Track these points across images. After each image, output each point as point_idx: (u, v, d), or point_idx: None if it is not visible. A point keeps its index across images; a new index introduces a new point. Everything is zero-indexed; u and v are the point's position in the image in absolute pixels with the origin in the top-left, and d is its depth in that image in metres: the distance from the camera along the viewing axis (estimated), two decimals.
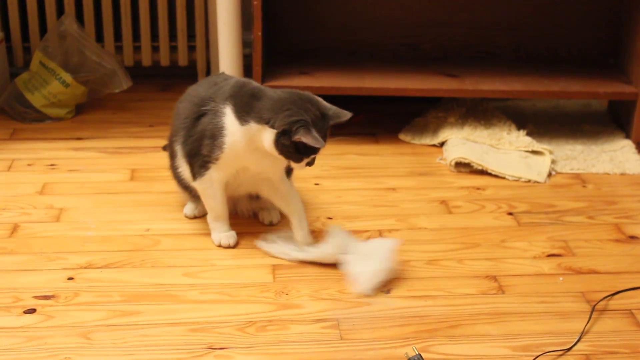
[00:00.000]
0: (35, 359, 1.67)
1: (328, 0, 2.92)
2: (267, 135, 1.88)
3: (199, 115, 1.99)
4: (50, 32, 2.88)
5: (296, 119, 1.84)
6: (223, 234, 2.08)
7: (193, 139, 2.00)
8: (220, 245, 2.07)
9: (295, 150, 1.87)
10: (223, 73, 2.22)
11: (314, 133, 1.84)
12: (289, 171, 2.10)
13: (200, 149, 1.98)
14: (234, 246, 2.07)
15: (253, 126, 1.90)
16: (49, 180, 2.42)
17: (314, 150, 1.89)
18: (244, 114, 1.91)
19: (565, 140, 2.74)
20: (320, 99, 1.93)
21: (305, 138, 1.83)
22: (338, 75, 2.75)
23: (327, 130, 1.90)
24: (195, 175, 2.02)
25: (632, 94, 2.69)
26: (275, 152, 1.89)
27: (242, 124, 1.91)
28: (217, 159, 1.96)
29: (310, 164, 1.94)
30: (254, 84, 2.00)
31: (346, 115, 1.92)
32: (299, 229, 2.04)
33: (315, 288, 1.92)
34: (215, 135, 1.94)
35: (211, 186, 2.02)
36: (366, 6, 2.92)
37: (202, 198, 2.07)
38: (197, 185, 2.04)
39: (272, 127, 1.86)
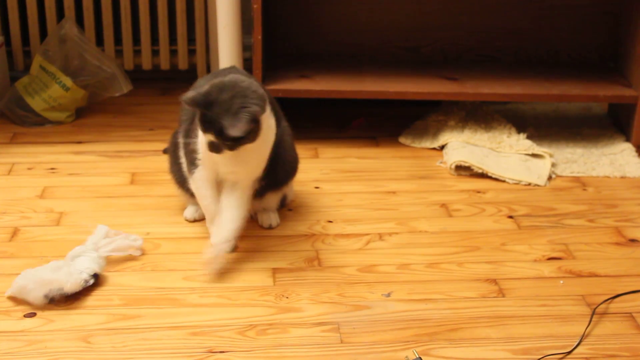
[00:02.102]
0: None
1: (328, 4, 2.92)
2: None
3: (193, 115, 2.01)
4: (50, 36, 2.89)
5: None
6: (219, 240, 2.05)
7: (189, 134, 2.03)
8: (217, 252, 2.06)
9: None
10: (233, 67, 2.21)
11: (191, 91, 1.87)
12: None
13: (191, 145, 2.01)
14: (233, 251, 2.06)
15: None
16: (49, 184, 2.42)
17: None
18: None
19: (565, 143, 2.74)
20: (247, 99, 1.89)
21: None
22: (338, 79, 2.75)
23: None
24: (188, 172, 2.05)
25: (632, 97, 2.69)
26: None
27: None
28: (199, 157, 1.99)
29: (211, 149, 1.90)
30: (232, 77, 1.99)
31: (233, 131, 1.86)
32: (222, 229, 2.03)
33: (315, 291, 1.92)
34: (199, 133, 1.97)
35: (202, 185, 2.03)
36: (366, 10, 2.92)
37: (197, 199, 2.09)
38: (191, 183, 2.06)
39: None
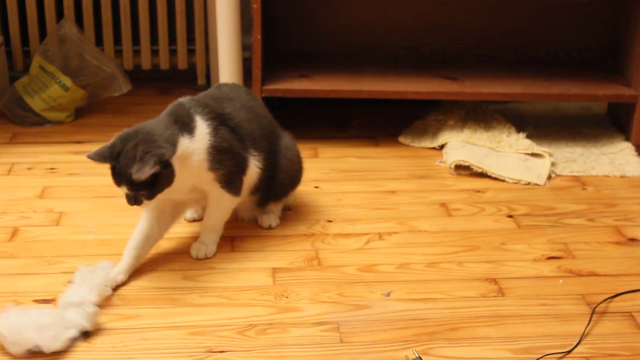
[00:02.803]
0: None
1: (327, 4, 2.92)
2: None
3: None
4: (49, 35, 2.89)
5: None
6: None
7: None
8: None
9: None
10: (233, 84, 2.22)
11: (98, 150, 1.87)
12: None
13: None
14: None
15: None
16: (48, 184, 2.42)
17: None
18: None
19: (565, 142, 2.74)
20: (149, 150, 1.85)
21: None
22: (338, 79, 2.75)
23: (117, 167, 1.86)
24: None
25: (631, 97, 2.69)
26: None
27: None
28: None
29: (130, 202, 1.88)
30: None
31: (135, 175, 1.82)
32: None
33: (315, 291, 1.92)
34: None
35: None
36: (366, 9, 2.92)
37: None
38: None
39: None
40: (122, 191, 1.87)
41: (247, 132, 2.02)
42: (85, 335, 1.74)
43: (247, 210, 2.19)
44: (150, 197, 1.86)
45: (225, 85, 2.20)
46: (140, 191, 1.84)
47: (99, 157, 1.85)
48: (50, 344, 1.68)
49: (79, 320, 1.73)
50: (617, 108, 2.90)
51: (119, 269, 1.94)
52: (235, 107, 2.04)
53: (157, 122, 1.94)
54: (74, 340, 1.72)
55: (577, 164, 2.59)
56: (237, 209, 2.15)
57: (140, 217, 1.99)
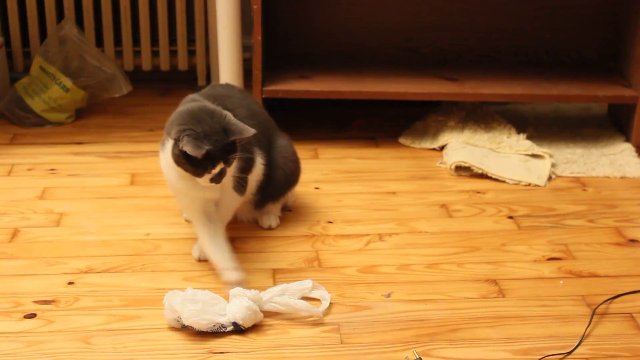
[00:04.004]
0: None
1: (328, 5, 2.92)
2: (168, 147, 1.87)
3: None
4: (50, 36, 2.89)
5: (185, 128, 1.81)
6: (230, 274, 1.93)
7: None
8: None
9: (187, 161, 1.82)
10: (213, 86, 2.21)
11: (197, 142, 1.78)
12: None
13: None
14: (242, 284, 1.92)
15: (168, 146, 1.88)
16: (49, 185, 2.42)
17: (209, 163, 1.82)
18: (164, 140, 1.92)
19: (565, 143, 2.74)
20: (228, 114, 1.87)
21: (185, 146, 1.78)
22: (338, 79, 2.76)
23: (227, 143, 1.82)
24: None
25: (632, 98, 2.69)
26: (171, 165, 1.87)
27: (162, 149, 1.92)
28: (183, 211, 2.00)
29: (215, 180, 1.86)
30: (184, 102, 1.98)
31: (248, 132, 1.84)
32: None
33: None
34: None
35: (196, 229, 1.99)
36: (366, 10, 2.92)
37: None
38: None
39: (170, 137, 1.85)
40: (211, 174, 1.83)
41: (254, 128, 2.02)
42: (235, 327, 1.76)
43: (247, 212, 2.19)
44: (232, 161, 1.85)
45: (219, 85, 2.20)
46: (232, 155, 1.84)
47: (206, 149, 1.79)
48: (199, 324, 1.74)
49: (234, 311, 1.76)
50: (617, 109, 2.90)
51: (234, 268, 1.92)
52: (235, 104, 2.04)
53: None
54: (221, 328, 1.75)
55: (577, 165, 2.59)
56: (236, 212, 2.14)
57: (199, 231, 1.97)
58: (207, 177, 1.85)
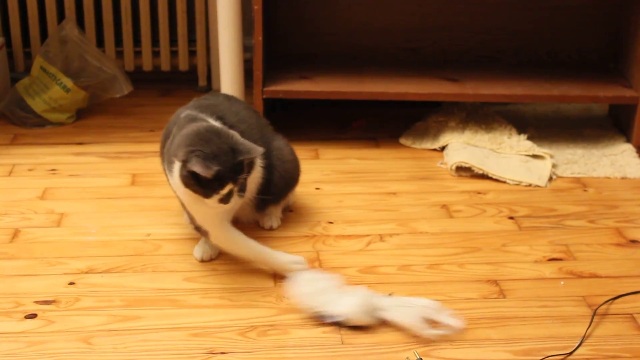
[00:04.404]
0: None
1: (328, 5, 2.92)
2: (175, 169, 1.86)
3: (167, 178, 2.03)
4: (51, 37, 2.89)
5: (192, 149, 1.80)
6: (287, 264, 1.96)
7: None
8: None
9: (196, 183, 1.81)
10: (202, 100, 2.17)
11: (206, 162, 1.77)
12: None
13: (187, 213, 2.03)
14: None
15: (175, 166, 1.87)
16: (49, 185, 2.42)
17: (219, 183, 1.81)
18: (169, 163, 1.91)
19: (566, 144, 2.74)
20: (235, 134, 1.87)
21: (194, 166, 1.77)
22: (338, 80, 2.76)
23: (236, 164, 1.82)
24: (205, 236, 2.04)
25: (632, 98, 2.69)
26: (182, 187, 1.86)
27: (171, 172, 1.91)
28: (196, 221, 1.98)
29: (223, 201, 1.84)
30: (184, 121, 1.94)
31: (257, 151, 1.85)
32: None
33: None
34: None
35: (225, 241, 1.99)
36: (366, 11, 2.92)
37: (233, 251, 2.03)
38: (217, 244, 2.04)
39: (178, 160, 1.84)
40: (223, 193, 1.82)
41: (245, 133, 2.01)
42: (334, 320, 1.79)
43: (247, 213, 2.18)
44: (245, 179, 1.87)
45: (203, 97, 2.16)
46: (243, 174, 1.85)
47: (218, 171, 1.79)
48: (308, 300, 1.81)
49: (345, 304, 1.78)
50: (618, 110, 2.90)
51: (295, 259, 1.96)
52: (223, 111, 2.03)
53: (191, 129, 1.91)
54: (322, 317, 1.79)
55: (578, 166, 2.59)
56: (237, 214, 2.13)
57: (229, 239, 1.98)
58: (216, 197, 1.83)
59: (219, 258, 2.05)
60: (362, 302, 1.79)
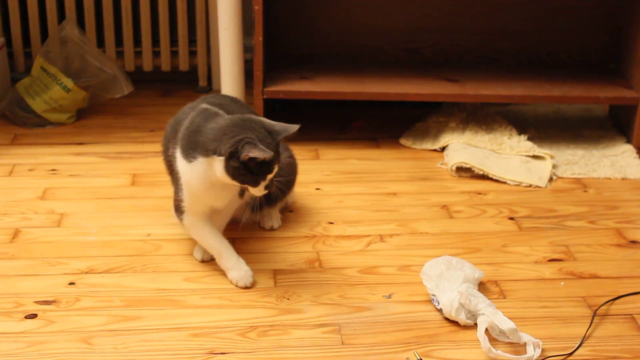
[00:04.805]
0: None
1: (329, 6, 2.92)
2: (217, 165, 1.82)
3: (169, 162, 2.00)
4: (51, 37, 2.89)
5: (240, 138, 1.79)
6: (239, 272, 1.96)
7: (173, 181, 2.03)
8: (237, 286, 1.95)
9: (247, 172, 1.80)
10: (206, 99, 2.13)
11: (261, 146, 1.78)
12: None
13: (174, 191, 2.01)
14: (251, 286, 1.95)
15: (201, 161, 1.85)
16: (50, 185, 2.42)
17: (267, 168, 1.82)
18: (190, 151, 1.87)
19: (566, 145, 2.74)
20: (264, 119, 1.88)
21: (252, 152, 1.76)
22: (339, 80, 2.76)
23: (277, 146, 1.84)
24: (177, 218, 2.02)
25: (633, 99, 2.69)
26: (229, 180, 1.83)
27: (190, 161, 1.86)
28: (182, 201, 1.96)
29: (269, 187, 1.86)
30: (199, 115, 1.92)
31: (293, 128, 1.86)
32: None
33: (316, 293, 1.92)
34: (177, 178, 1.95)
35: (195, 229, 1.99)
36: (367, 11, 2.92)
37: (196, 240, 2.04)
38: (183, 227, 2.03)
39: (220, 154, 1.81)
40: (265, 183, 1.84)
41: None
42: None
43: (245, 215, 2.17)
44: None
45: (210, 96, 2.13)
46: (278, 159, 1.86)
47: (271, 154, 1.79)
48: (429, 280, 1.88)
49: (445, 302, 1.82)
50: (618, 110, 2.90)
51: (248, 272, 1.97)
52: (237, 111, 2.02)
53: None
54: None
55: (578, 166, 2.59)
56: (235, 215, 2.13)
57: (203, 228, 1.99)
58: (263, 184, 1.84)
59: None
60: (460, 301, 1.80)
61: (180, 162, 1.90)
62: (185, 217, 1.98)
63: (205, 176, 1.87)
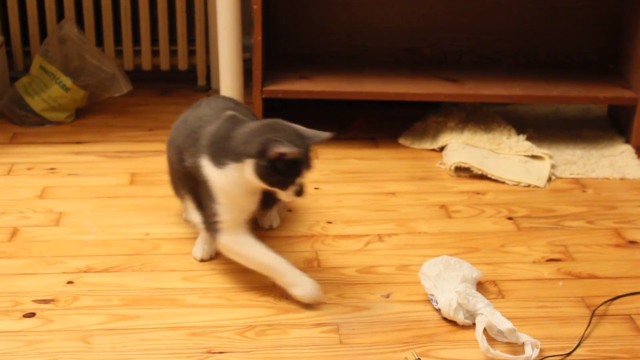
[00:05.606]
0: None
1: (328, 5, 2.92)
2: (248, 168, 1.80)
3: (186, 172, 1.93)
4: (50, 36, 2.89)
5: (269, 136, 1.77)
6: (304, 288, 1.87)
7: (196, 196, 1.93)
8: (303, 301, 1.87)
9: (276, 172, 1.77)
10: (206, 100, 2.10)
11: (288, 144, 1.75)
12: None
13: (203, 209, 1.90)
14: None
15: (233, 166, 1.82)
16: (48, 184, 2.42)
17: (296, 170, 1.79)
18: (220, 158, 1.83)
19: (565, 145, 2.74)
20: (296, 125, 1.85)
21: (279, 148, 1.74)
22: (338, 80, 2.76)
23: (307, 150, 1.81)
24: (212, 238, 1.92)
25: (631, 99, 2.69)
26: (259, 183, 1.80)
27: (221, 168, 1.83)
28: (217, 216, 1.86)
29: (299, 193, 1.82)
30: (227, 120, 1.89)
31: (325, 135, 1.84)
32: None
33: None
34: (205, 191, 1.87)
35: (239, 247, 1.89)
36: (366, 11, 2.92)
37: (242, 263, 1.92)
38: (221, 249, 1.93)
39: (249, 155, 1.79)
40: (297, 185, 1.81)
41: None
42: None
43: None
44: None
45: (213, 98, 2.12)
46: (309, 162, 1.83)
47: (300, 153, 1.77)
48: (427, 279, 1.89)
49: (442, 301, 1.82)
50: (617, 110, 2.90)
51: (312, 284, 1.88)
52: (248, 115, 2.02)
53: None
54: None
55: (577, 166, 2.59)
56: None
57: (250, 244, 1.90)
58: (292, 189, 1.81)
59: (215, 258, 2.05)
60: (459, 301, 1.80)
61: (210, 170, 1.85)
62: (223, 236, 1.88)
63: (239, 182, 1.83)
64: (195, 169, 1.89)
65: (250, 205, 1.91)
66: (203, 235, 2.04)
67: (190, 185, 1.95)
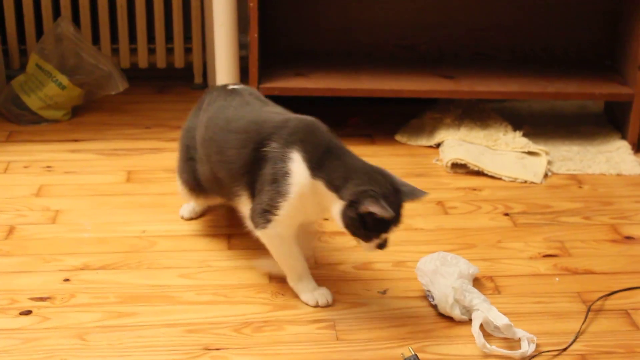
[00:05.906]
0: None
1: (324, 2, 2.92)
2: (335, 206, 1.73)
3: (258, 158, 1.82)
4: (46, 34, 2.88)
5: (364, 189, 1.69)
6: (315, 292, 1.88)
7: (255, 181, 1.84)
8: (317, 306, 1.86)
9: (362, 226, 1.70)
10: (238, 88, 2.10)
11: (383, 203, 1.66)
12: None
13: (262, 194, 1.81)
14: (332, 303, 1.89)
15: (321, 185, 1.74)
16: (45, 182, 2.42)
17: (384, 227, 1.72)
18: (316, 167, 1.74)
19: (561, 141, 2.74)
20: (393, 175, 1.78)
21: (372, 207, 1.65)
22: (334, 77, 2.76)
23: (399, 207, 1.73)
24: (256, 223, 1.83)
25: (628, 95, 2.69)
26: (341, 226, 1.73)
27: (313, 177, 1.74)
28: (278, 209, 1.77)
29: (382, 246, 1.76)
30: (323, 131, 1.82)
31: (422, 193, 1.76)
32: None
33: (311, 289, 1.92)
34: (278, 181, 1.77)
35: (281, 242, 1.84)
36: (362, 8, 2.92)
37: (273, 254, 1.88)
38: (261, 236, 1.85)
39: (341, 198, 1.71)
40: (378, 241, 1.76)
41: None
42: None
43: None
44: None
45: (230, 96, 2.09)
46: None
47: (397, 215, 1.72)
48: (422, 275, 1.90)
49: (437, 296, 1.84)
50: (613, 106, 2.90)
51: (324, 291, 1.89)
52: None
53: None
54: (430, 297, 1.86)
55: (573, 163, 2.60)
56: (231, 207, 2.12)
57: (287, 257, 1.88)
58: (375, 242, 1.75)
59: (212, 255, 2.05)
60: (455, 297, 1.80)
61: (299, 168, 1.75)
62: (272, 226, 1.80)
63: (318, 200, 1.76)
64: (276, 156, 1.78)
65: (313, 216, 1.88)
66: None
67: (252, 170, 1.83)
